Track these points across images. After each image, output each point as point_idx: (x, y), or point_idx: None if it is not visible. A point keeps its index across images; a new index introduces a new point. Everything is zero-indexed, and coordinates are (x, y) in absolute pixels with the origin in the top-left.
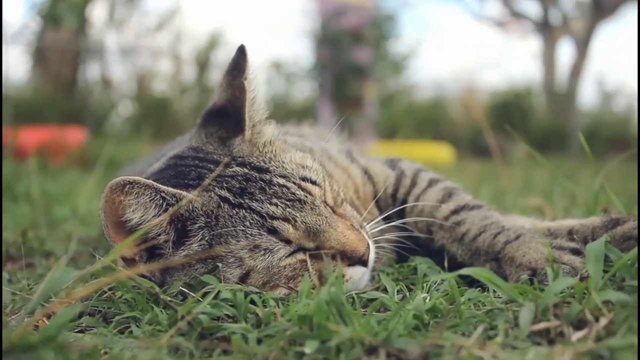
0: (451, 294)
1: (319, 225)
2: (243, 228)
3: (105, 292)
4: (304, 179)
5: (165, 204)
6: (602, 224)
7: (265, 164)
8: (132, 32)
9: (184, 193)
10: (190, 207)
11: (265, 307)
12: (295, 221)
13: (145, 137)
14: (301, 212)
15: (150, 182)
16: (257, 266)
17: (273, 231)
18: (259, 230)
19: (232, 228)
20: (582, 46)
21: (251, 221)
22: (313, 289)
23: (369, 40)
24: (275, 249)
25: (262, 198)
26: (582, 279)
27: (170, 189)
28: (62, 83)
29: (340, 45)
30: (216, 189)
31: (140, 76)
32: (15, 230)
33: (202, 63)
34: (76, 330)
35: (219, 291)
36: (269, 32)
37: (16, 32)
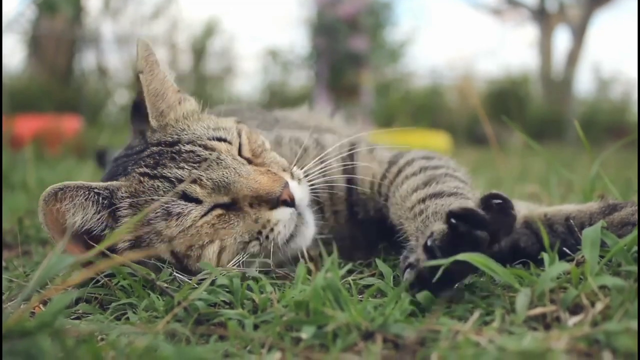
0: None
1: (227, 178)
2: (157, 197)
3: (101, 279)
4: (211, 138)
5: (100, 198)
6: (600, 209)
7: (177, 136)
8: (128, 20)
9: (113, 182)
10: (118, 194)
11: (262, 293)
12: (201, 180)
13: None
14: (207, 170)
15: (80, 182)
16: (173, 233)
17: (183, 195)
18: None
19: (150, 198)
20: (579, 34)
21: (164, 190)
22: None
23: (365, 29)
24: (187, 211)
25: (172, 165)
26: (578, 264)
27: (101, 183)
28: (57, 72)
29: (336, 34)
30: (136, 169)
31: (136, 65)
32: (12, 219)
33: (198, 51)
34: (72, 317)
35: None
36: (265, 21)
37: (12, 21)
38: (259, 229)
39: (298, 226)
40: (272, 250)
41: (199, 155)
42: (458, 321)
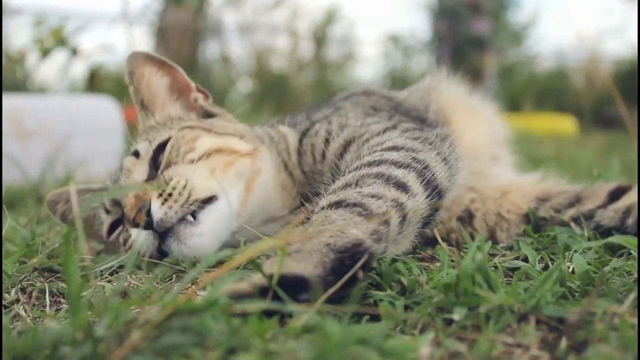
0: (595, 262)
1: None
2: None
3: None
4: (133, 153)
5: None
6: None
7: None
8: (250, 9)
9: None
10: None
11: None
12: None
13: (265, 113)
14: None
15: None
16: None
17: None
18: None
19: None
20: None
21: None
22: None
23: (487, 11)
24: (105, 221)
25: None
26: None
27: None
28: (182, 61)
29: (458, 17)
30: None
31: (259, 53)
32: None
33: (319, 39)
34: None
35: None
36: (386, 6)
37: (139, 13)
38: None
39: (177, 233)
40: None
41: (117, 174)
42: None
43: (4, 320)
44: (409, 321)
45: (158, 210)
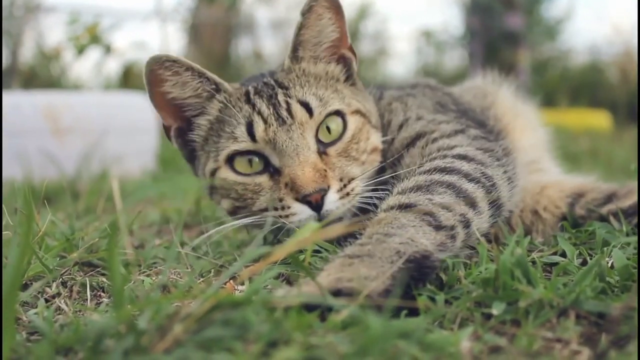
0: (634, 258)
1: (284, 146)
2: (237, 117)
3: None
4: (300, 100)
5: (207, 85)
6: None
7: (288, 83)
8: (282, 5)
9: (225, 83)
10: (222, 94)
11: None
12: (270, 126)
13: None
14: (279, 126)
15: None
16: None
17: (249, 124)
18: (242, 119)
19: (232, 115)
20: None
21: (245, 111)
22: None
23: (521, 6)
24: (240, 138)
25: (264, 101)
26: None
27: (213, 75)
28: (215, 58)
29: (491, 12)
30: (250, 85)
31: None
32: (186, 200)
33: (352, 34)
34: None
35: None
36: (418, 1)
37: (172, 10)
38: (277, 206)
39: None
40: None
41: (280, 111)
42: None
43: (47, 313)
44: (447, 316)
45: (331, 203)
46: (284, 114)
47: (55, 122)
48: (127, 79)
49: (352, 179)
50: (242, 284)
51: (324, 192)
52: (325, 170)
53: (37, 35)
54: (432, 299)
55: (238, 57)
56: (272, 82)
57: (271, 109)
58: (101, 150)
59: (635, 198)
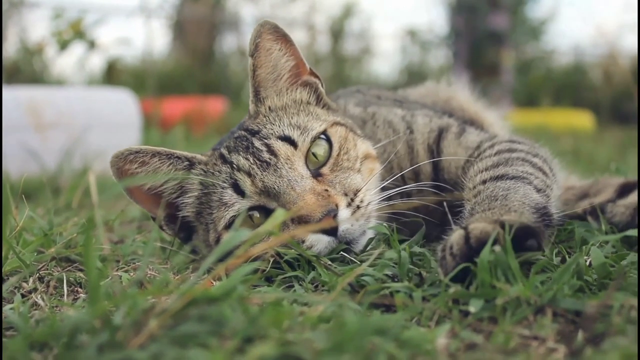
0: (612, 256)
1: (277, 187)
2: (219, 183)
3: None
4: (279, 137)
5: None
6: None
7: (260, 126)
8: (268, 3)
9: (197, 155)
10: (197, 167)
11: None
12: (255, 177)
13: None
14: (264, 171)
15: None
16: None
17: (234, 184)
18: (226, 183)
19: (215, 184)
20: None
21: (225, 173)
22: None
23: (505, 6)
24: (231, 202)
25: (241, 154)
26: None
27: (185, 153)
28: (199, 55)
29: (475, 12)
30: (222, 147)
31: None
32: None
33: (337, 33)
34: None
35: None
36: (403, 0)
37: (157, 7)
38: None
39: (352, 242)
40: None
41: (261, 156)
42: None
43: (22, 308)
44: (425, 313)
45: (346, 221)
46: (266, 156)
47: (38, 117)
48: (110, 75)
49: (357, 190)
50: (219, 279)
51: (334, 212)
52: (327, 190)
53: (21, 31)
54: (410, 296)
55: (223, 54)
56: (244, 134)
57: (251, 159)
58: (84, 145)
59: (606, 196)
